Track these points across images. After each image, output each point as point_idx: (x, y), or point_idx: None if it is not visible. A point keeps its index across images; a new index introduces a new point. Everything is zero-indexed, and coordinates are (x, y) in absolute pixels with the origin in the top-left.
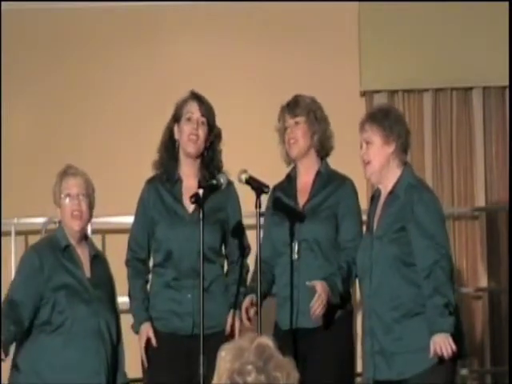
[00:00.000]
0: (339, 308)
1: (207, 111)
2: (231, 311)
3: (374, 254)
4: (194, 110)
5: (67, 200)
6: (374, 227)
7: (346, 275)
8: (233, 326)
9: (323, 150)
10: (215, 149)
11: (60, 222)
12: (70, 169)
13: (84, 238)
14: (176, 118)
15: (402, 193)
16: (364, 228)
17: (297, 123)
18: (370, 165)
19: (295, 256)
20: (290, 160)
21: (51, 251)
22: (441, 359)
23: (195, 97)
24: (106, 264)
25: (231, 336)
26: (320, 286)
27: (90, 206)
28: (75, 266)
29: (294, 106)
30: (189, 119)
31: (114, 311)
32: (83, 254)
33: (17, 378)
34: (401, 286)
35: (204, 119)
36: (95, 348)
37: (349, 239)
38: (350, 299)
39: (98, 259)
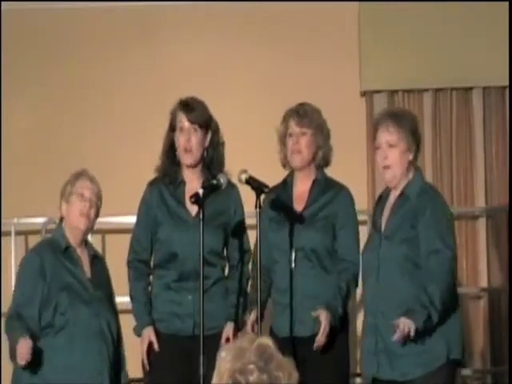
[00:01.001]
0: (338, 330)
1: (196, 116)
2: (229, 324)
3: (382, 254)
4: (183, 120)
5: (79, 199)
6: (382, 227)
7: (345, 296)
8: (229, 338)
9: (324, 163)
10: (215, 144)
11: (61, 221)
12: (87, 172)
13: (84, 241)
14: (172, 128)
15: (414, 196)
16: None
17: (303, 134)
18: (390, 169)
19: (292, 265)
20: (287, 163)
21: (52, 252)
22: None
23: (182, 106)
24: (104, 264)
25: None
26: (325, 318)
27: (96, 215)
28: (76, 267)
29: (302, 115)
30: (181, 129)
31: (114, 311)
32: (83, 255)
33: (20, 379)
34: (409, 288)
35: (195, 126)
36: (97, 349)
37: (347, 250)
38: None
39: (97, 259)
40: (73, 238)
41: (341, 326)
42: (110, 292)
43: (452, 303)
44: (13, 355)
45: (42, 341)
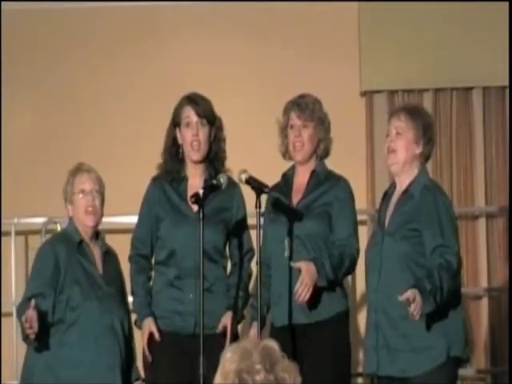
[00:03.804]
0: (327, 290)
1: (204, 110)
2: (227, 312)
3: (385, 250)
4: (190, 115)
5: (81, 196)
6: (386, 223)
7: (335, 262)
8: (225, 327)
9: (324, 155)
10: (218, 140)
11: (71, 219)
12: (82, 165)
13: (96, 235)
14: (176, 124)
15: (417, 193)
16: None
17: (305, 126)
18: (394, 154)
19: (287, 253)
20: (286, 153)
21: (65, 246)
22: (444, 362)
23: (189, 100)
24: (117, 259)
25: (224, 336)
26: (305, 268)
27: (102, 203)
28: (89, 262)
29: (304, 108)
30: (187, 124)
31: (126, 307)
32: (95, 250)
33: (30, 376)
34: (410, 284)
35: (203, 119)
36: (109, 345)
37: (342, 238)
38: (347, 298)
39: (109, 255)
40: (84, 234)
41: (341, 318)
42: (122, 289)
43: (455, 297)
44: (25, 337)
45: (53, 337)
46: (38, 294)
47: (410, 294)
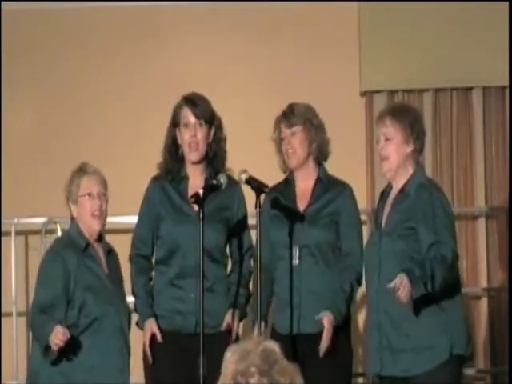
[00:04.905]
0: (340, 328)
1: (202, 111)
2: (230, 310)
3: (383, 251)
4: (188, 115)
5: (88, 199)
6: (383, 223)
7: (348, 298)
8: (230, 324)
9: (321, 156)
10: (218, 139)
11: (73, 219)
12: (88, 167)
13: (99, 235)
14: (175, 124)
15: (413, 192)
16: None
17: (293, 133)
18: (387, 161)
19: (296, 261)
20: (286, 169)
21: (72, 252)
22: (447, 360)
23: (187, 101)
24: (117, 256)
25: (229, 334)
26: (328, 321)
27: (106, 202)
28: (97, 265)
29: (289, 115)
30: (186, 125)
31: (126, 303)
32: (99, 251)
33: (36, 376)
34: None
35: (201, 120)
36: (119, 347)
37: (351, 249)
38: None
39: (111, 254)
40: (89, 236)
41: (343, 325)
42: (123, 287)
43: (455, 295)
44: (45, 350)
45: None
46: (50, 306)
47: (398, 279)
